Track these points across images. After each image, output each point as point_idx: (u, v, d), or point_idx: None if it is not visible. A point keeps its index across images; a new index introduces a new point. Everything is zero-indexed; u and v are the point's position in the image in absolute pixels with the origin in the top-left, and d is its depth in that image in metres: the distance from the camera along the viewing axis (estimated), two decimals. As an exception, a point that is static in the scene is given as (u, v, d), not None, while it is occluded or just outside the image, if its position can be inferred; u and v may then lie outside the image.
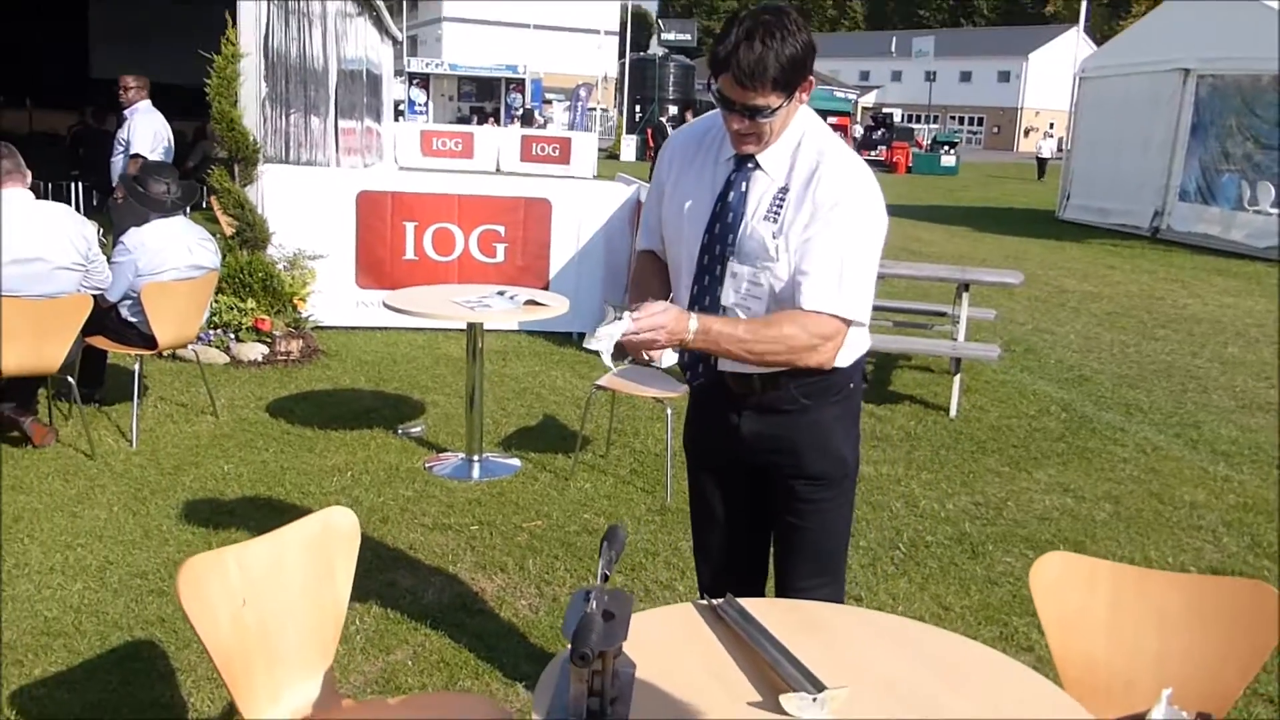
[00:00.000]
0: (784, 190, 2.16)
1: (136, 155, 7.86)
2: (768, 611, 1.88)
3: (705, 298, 2.22)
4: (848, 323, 2.14)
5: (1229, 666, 2.11)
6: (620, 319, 1.97)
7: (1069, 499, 4.94)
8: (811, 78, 2.10)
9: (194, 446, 5.02)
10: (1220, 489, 5.16)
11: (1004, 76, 67.25)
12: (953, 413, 6.22)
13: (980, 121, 68.53)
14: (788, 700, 1.58)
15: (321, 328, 7.34)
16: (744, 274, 2.17)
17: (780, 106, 2.06)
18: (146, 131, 8.15)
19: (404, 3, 47.25)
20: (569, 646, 1.68)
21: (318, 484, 4.63)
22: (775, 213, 2.15)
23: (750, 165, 2.19)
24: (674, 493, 4.73)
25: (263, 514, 4.25)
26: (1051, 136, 34.64)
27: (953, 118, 66.05)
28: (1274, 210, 14.64)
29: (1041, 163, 34.44)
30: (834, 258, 2.11)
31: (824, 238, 2.11)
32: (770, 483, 2.36)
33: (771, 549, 2.47)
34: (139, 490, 4.46)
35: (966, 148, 54.38)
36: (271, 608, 2.05)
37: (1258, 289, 11.98)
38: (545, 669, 1.68)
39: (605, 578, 1.63)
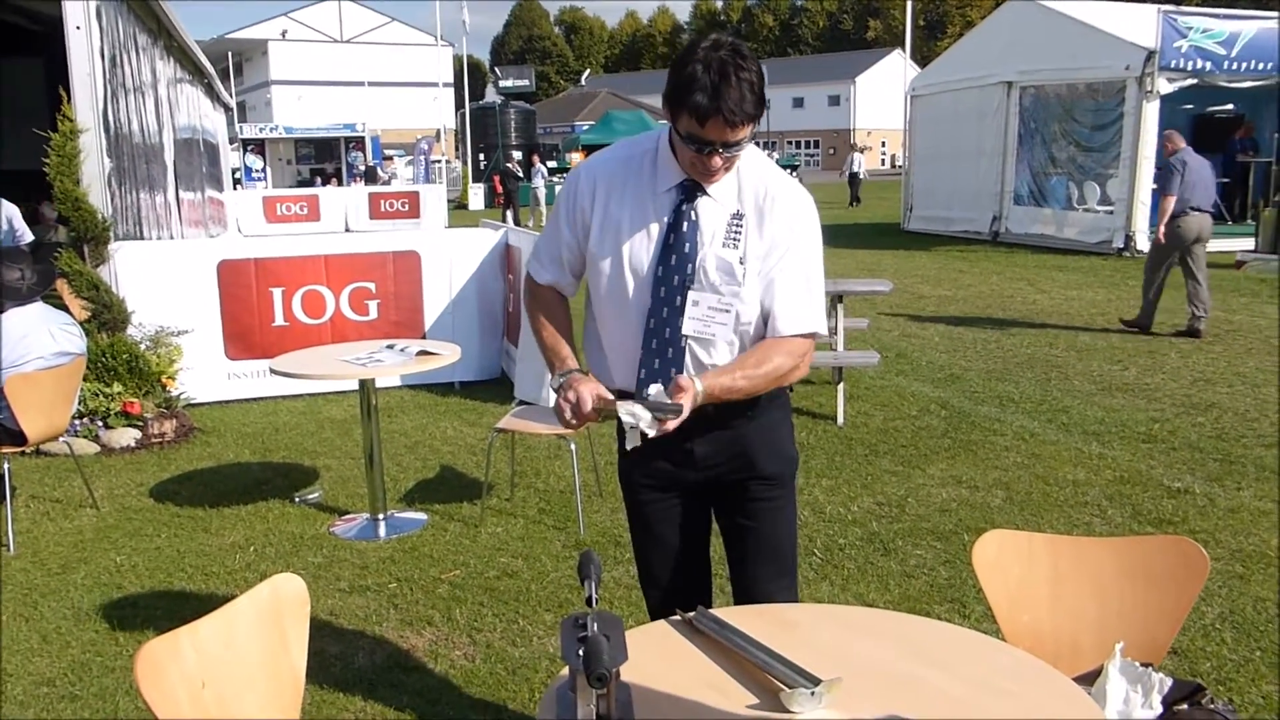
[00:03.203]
0: (738, 216, 2.19)
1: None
2: (738, 618, 1.91)
3: (665, 330, 2.21)
4: (815, 335, 2.26)
5: (1162, 619, 2.25)
6: (651, 398, 2.07)
7: (963, 490, 5.14)
8: None
9: (78, 542, 4.75)
10: (1097, 466, 5.46)
11: (834, 100, 70.01)
12: (840, 420, 6.41)
13: (816, 144, 71.05)
14: (788, 698, 1.61)
15: (194, 405, 7.07)
16: (706, 302, 2.18)
17: (751, 136, 2.10)
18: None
19: (229, 69, 46.13)
20: (564, 674, 1.68)
21: (220, 563, 4.44)
22: (734, 239, 2.18)
23: (699, 194, 2.19)
24: (586, 526, 4.73)
25: (168, 602, 4.06)
26: (860, 152, 33.36)
27: (789, 142, 68.23)
28: (1100, 208, 15.64)
29: (853, 180, 30.64)
30: (801, 280, 2.20)
31: (790, 263, 2.19)
32: (720, 492, 2.36)
33: (723, 557, 2.46)
34: (27, 595, 4.19)
35: (805, 170, 56.27)
36: (230, 685, 1.97)
37: (1095, 280, 12.77)
38: (541, 702, 1.66)
39: (593, 601, 1.64)
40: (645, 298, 2.21)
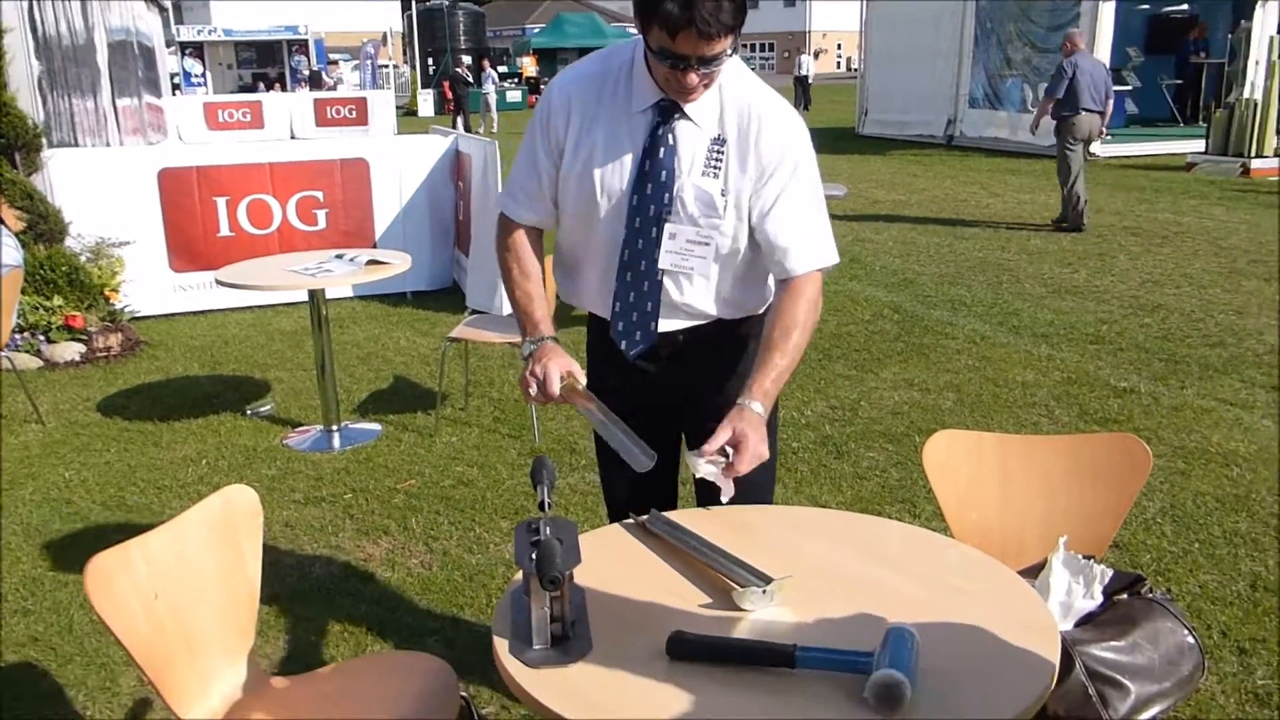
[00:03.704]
0: (719, 140, 2.01)
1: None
2: (691, 520, 1.92)
3: (640, 262, 2.06)
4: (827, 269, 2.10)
5: (1105, 513, 2.30)
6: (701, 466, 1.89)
7: (915, 393, 5.21)
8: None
9: (25, 458, 4.68)
10: (1046, 367, 5.55)
11: (790, 2, 68.78)
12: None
13: (771, 47, 69.98)
14: (740, 596, 1.63)
15: (140, 318, 6.93)
16: (683, 234, 2.03)
17: (731, 49, 1.89)
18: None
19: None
20: (518, 578, 1.69)
21: (172, 477, 4.40)
22: (715, 167, 2.01)
23: (676, 115, 1.99)
24: (541, 434, 4.74)
25: (120, 516, 4.03)
26: (809, 56, 32.52)
27: (745, 45, 67.10)
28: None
29: (802, 84, 30.11)
30: (807, 216, 2.05)
31: (792, 199, 2.02)
32: (695, 415, 2.19)
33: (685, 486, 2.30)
34: (-27, 509, 4.14)
35: (761, 73, 55.34)
36: (184, 597, 1.96)
37: (1048, 183, 12.78)
38: (498, 606, 1.67)
39: (546, 506, 1.64)
40: (619, 228, 2.06)
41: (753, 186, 2.02)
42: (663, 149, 2.00)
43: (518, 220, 2.18)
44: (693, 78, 1.90)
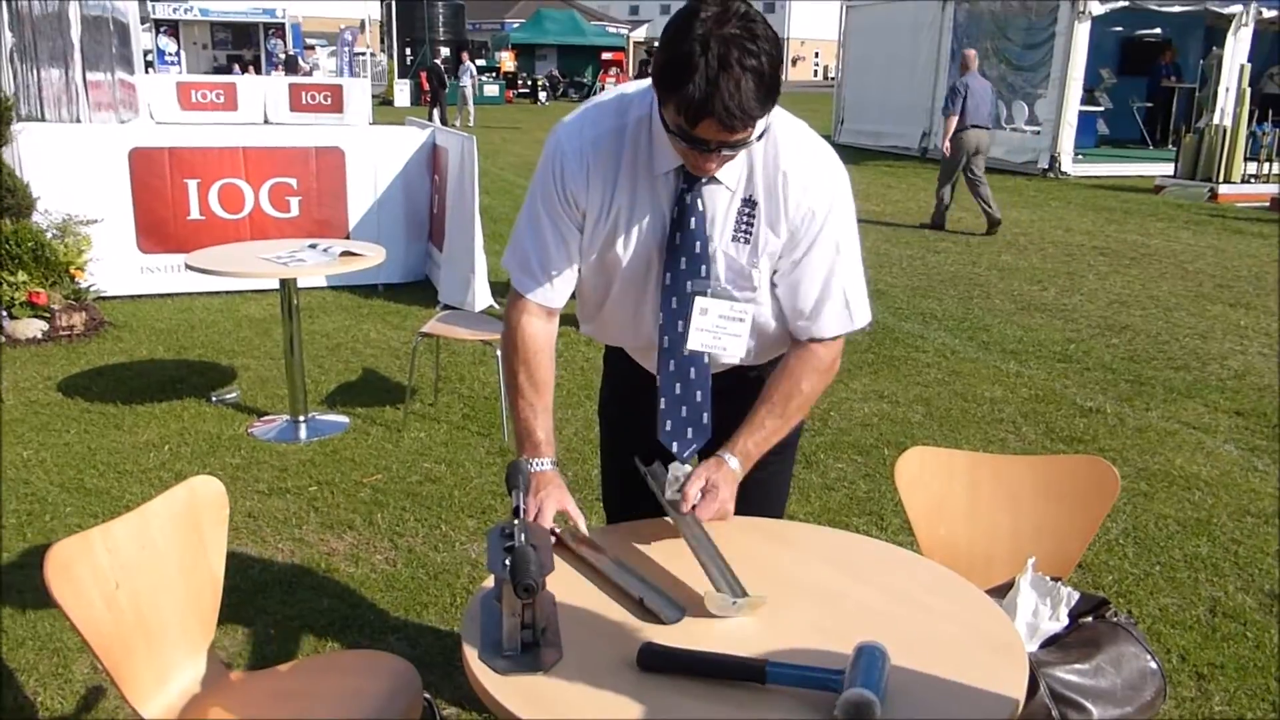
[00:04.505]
0: (749, 202, 1.80)
1: None
2: (666, 527, 1.91)
3: (682, 347, 1.86)
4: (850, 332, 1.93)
5: (1072, 534, 2.32)
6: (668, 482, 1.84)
7: (885, 404, 5.23)
8: None
9: (-18, 435, 4.60)
10: (1014, 384, 5.60)
11: (769, 8, 68.98)
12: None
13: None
14: (710, 599, 1.62)
15: (105, 298, 6.83)
16: (716, 309, 1.84)
17: (764, 128, 1.70)
18: None
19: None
20: (489, 583, 1.67)
21: (134, 461, 4.34)
22: (746, 233, 1.81)
23: (704, 179, 1.78)
24: (510, 433, 4.69)
25: (79, 499, 3.96)
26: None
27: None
28: (1028, 128, 15.79)
29: None
30: (835, 278, 1.86)
31: (819, 260, 1.84)
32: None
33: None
34: (-73, 488, 4.06)
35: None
36: (146, 587, 1.92)
37: (1019, 200, 12.95)
38: (467, 610, 1.66)
39: (522, 511, 1.62)
40: (651, 310, 1.88)
41: (782, 249, 1.84)
42: (693, 218, 1.80)
43: (544, 303, 1.92)
44: (712, 163, 1.71)
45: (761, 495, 2.04)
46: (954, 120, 10.27)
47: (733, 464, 1.85)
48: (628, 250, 1.85)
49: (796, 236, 1.82)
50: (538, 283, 1.90)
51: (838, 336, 1.91)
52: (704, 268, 1.82)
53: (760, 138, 1.71)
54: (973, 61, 10.63)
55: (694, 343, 1.86)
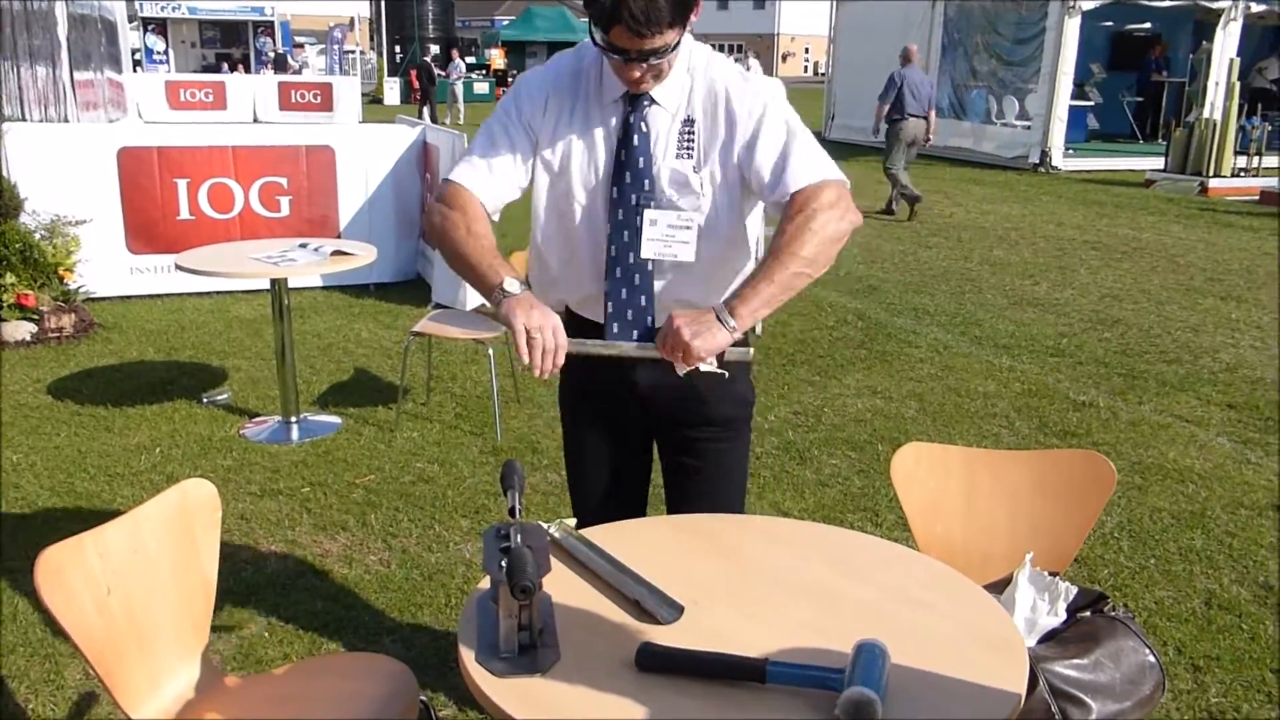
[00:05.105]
0: (689, 122, 1.97)
1: None
2: (657, 529, 1.90)
3: (629, 254, 1.99)
4: (839, 182, 1.94)
5: (1069, 529, 2.32)
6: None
7: (878, 400, 5.23)
8: None
9: (-29, 438, 4.57)
10: (1007, 379, 5.60)
11: (759, 4, 69.00)
12: (758, 330, 6.44)
13: (740, 49, 70.15)
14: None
15: (94, 299, 6.79)
16: (664, 220, 1.97)
17: (678, 41, 1.85)
18: None
19: (128, -56, 43.39)
20: (483, 584, 1.66)
21: (124, 464, 4.31)
22: (688, 148, 1.96)
23: (645, 102, 1.96)
24: (504, 432, 4.70)
25: (69, 502, 3.94)
26: (754, 59, 33.18)
27: (713, 46, 67.06)
28: (1018, 123, 15.80)
29: None
30: (794, 142, 1.93)
31: (772, 134, 1.93)
32: (665, 430, 2.18)
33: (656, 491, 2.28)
34: (-84, 492, 4.03)
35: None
36: (138, 591, 1.91)
37: (1010, 195, 12.96)
38: (463, 613, 1.64)
39: (517, 512, 1.61)
40: (601, 223, 2.00)
41: (726, 148, 1.95)
42: (637, 136, 1.96)
43: (473, 189, 1.98)
44: (635, 71, 1.87)
45: (715, 475, 2.14)
46: (884, 107, 10.80)
47: (728, 321, 1.79)
48: (579, 169, 2.00)
49: (745, 128, 1.94)
50: (476, 171, 1.99)
51: (819, 184, 1.90)
52: (647, 182, 1.97)
53: (675, 49, 1.86)
54: (914, 55, 11.13)
55: (647, 251, 1.98)
